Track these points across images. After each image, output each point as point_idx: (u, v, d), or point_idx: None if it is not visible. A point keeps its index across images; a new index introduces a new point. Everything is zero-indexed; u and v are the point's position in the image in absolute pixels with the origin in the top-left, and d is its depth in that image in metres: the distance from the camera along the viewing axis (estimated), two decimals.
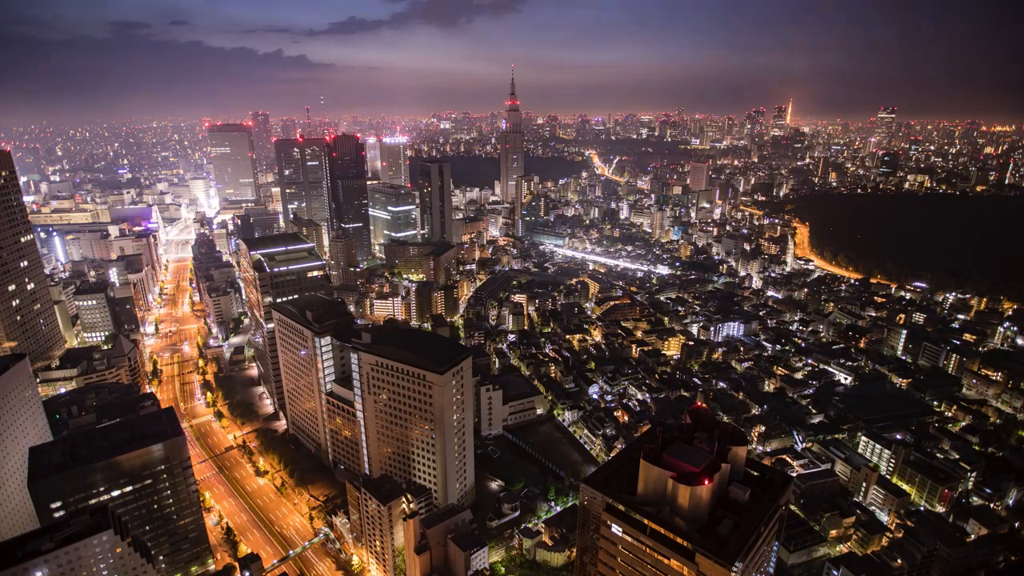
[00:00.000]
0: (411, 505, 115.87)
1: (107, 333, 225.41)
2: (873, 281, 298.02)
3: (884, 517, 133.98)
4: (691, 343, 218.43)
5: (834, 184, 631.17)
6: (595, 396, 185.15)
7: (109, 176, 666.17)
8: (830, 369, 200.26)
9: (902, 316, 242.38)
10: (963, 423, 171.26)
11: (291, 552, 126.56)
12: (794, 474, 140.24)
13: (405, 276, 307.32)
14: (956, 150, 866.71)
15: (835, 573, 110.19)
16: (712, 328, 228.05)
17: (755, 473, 79.58)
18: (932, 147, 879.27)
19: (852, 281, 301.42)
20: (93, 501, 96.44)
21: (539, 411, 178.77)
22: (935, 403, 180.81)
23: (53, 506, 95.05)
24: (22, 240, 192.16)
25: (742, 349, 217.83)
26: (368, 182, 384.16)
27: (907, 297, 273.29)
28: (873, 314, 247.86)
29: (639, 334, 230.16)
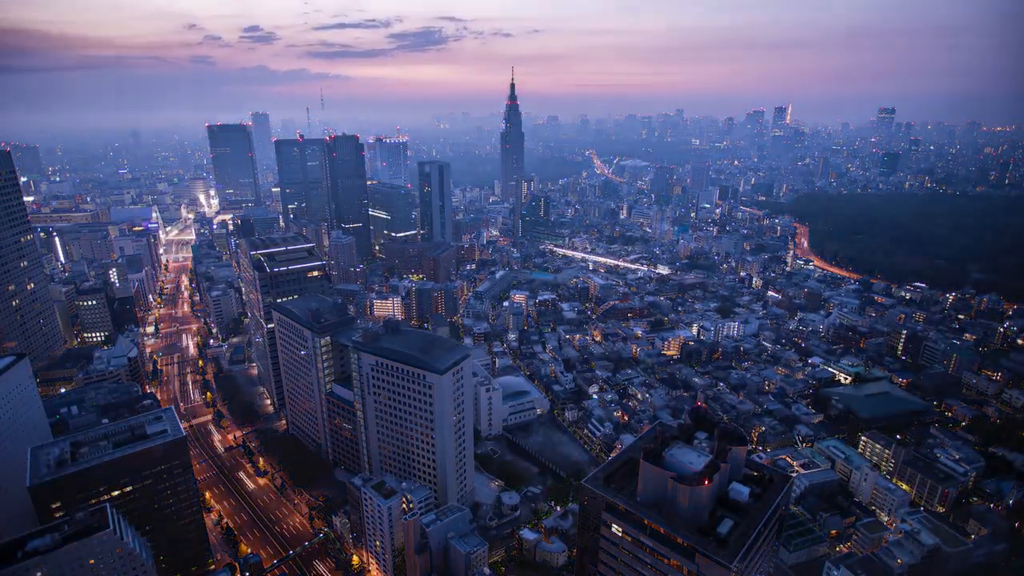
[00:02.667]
0: (411, 505, 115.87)
1: (107, 333, 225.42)
2: (873, 281, 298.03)
3: (884, 517, 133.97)
4: (691, 343, 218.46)
5: (834, 184, 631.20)
6: (595, 396, 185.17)
7: (109, 176, 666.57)
8: (830, 369, 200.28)
9: (902, 316, 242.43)
10: (963, 423, 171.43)
11: (291, 552, 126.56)
12: (794, 474, 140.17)
13: (405, 276, 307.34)
14: (956, 150, 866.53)
15: (835, 573, 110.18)
16: (712, 328, 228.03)
17: (755, 473, 79.52)
18: (932, 147, 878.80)
19: (852, 281, 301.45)
20: (93, 501, 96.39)
21: (539, 411, 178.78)
22: (935, 403, 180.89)
23: (53, 506, 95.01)
24: (22, 240, 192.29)
25: (742, 349, 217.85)
26: (368, 182, 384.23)
27: (907, 297, 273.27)
28: (873, 314, 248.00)
29: (639, 334, 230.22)
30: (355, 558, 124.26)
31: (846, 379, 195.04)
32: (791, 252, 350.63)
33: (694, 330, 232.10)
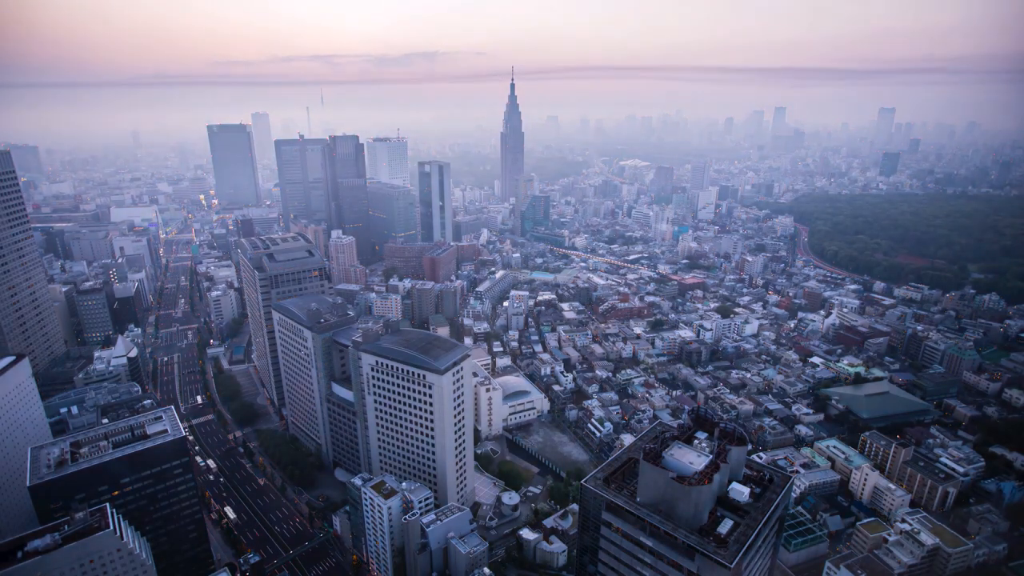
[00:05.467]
0: (411, 505, 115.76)
1: (107, 333, 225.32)
2: (873, 281, 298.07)
3: (885, 516, 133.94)
4: (691, 343, 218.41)
5: (834, 184, 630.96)
6: (595, 396, 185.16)
7: (109, 176, 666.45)
8: (830, 369, 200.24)
9: (903, 316, 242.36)
10: (963, 423, 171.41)
11: (291, 552, 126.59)
12: (794, 474, 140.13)
13: (405, 276, 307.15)
14: (956, 150, 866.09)
15: (835, 573, 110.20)
16: (712, 327, 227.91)
17: (755, 473, 79.53)
18: (932, 147, 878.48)
19: (852, 281, 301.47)
20: (93, 501, 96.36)
21: (539, 411, 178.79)
22: (935, 403, 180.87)
23: (53, 506, 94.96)
24: (22, 240, 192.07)
25: (742, 349, 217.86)
26: (368, 182, 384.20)
27: (907, 297, 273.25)
28: (873, 314, 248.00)
29: (639, 334, 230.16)
30: (355, 558, 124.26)
31: (846, 379, 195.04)
32: (791, 252, 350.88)
33: (694, 330, 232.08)
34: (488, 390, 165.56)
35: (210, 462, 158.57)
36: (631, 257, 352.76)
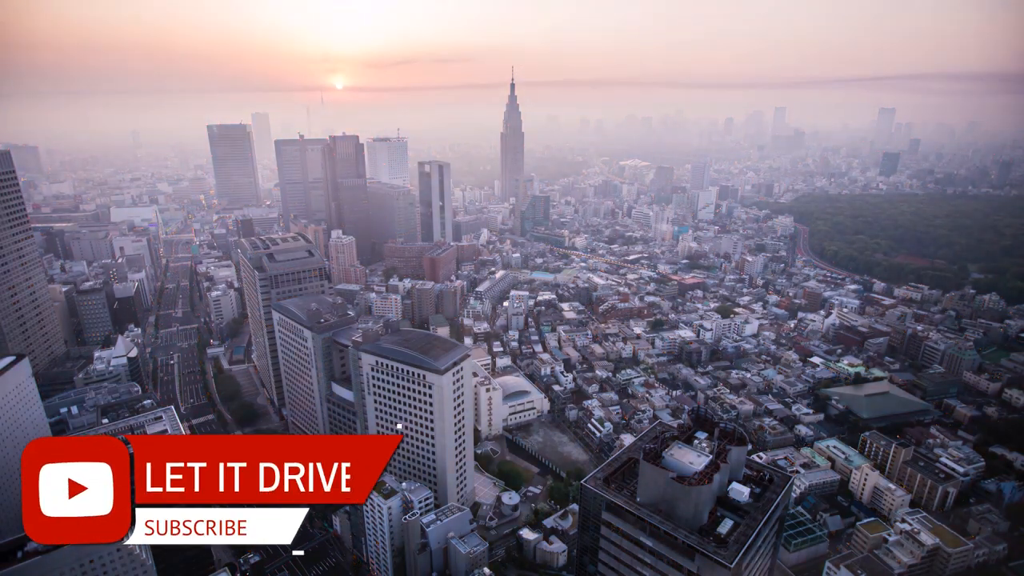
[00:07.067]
0: (411, 505, 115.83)
1: (107, 333, 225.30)
2: (873, 281, 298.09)
3: (885, 516, 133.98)
4: (691, 343, 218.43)
5: (834, 184, 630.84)
6: (595, 396, 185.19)
7: (109, 176, 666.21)
8: (830, 369, 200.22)
9: (903, 316, 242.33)
10: (963, 423, 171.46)
11: (291, 552, 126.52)
12: (794, 474, 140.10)
13: (405, 276, 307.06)
14: (956, 150, 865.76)
15: (835, 573, 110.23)
16: (712, 327, 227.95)
17: (755, 473, 79.55)
18: (932, 147, 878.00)
19: (852, 281, 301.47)
20: None
21: (539, 411, 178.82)
22: (935, 403, 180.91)
23: None
24: (22, 240, 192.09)
25: (742, 349, 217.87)
26: (368, 182, 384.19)
27: (907, 297, 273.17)
28: (873, 314, 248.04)
29: (639, 334, 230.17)
30: (355, 558, 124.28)
31: (846, 379, 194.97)
32: (791, 252, 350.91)
33: (694, 330, 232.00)
34: (488, 390, 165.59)
35: None
36: (631, 257, 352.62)
